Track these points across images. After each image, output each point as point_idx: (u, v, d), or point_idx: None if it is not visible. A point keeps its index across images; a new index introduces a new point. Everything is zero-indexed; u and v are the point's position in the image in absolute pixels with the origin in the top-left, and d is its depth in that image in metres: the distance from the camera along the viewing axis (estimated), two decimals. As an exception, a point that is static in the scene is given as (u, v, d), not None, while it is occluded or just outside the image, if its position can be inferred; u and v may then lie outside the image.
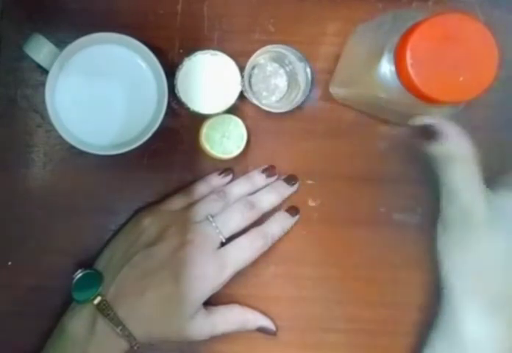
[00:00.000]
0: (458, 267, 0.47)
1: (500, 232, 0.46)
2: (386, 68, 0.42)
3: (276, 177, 0.53)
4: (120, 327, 0.46)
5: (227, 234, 0.49)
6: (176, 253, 0.47)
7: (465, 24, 0.39)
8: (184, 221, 0.49)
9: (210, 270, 0.48)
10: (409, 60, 0.39)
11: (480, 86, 0.40)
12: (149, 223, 0.49)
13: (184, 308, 0.47)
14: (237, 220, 0.49)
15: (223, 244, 0.49)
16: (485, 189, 0.46)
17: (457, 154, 0.45)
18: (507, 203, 0.47)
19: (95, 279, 0.47)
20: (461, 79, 0.39)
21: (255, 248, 0.49)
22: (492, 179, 0.51)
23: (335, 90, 0.51)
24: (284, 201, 0.53)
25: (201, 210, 0.50)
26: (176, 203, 0.51)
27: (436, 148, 0.46)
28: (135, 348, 0.46)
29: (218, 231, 0.49)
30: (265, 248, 0.50)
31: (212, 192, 0.51)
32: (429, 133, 0.46)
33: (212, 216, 0.49)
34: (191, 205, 0.50)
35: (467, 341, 0.46)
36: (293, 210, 0.52)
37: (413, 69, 0.39)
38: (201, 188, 0.52)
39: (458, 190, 0.46)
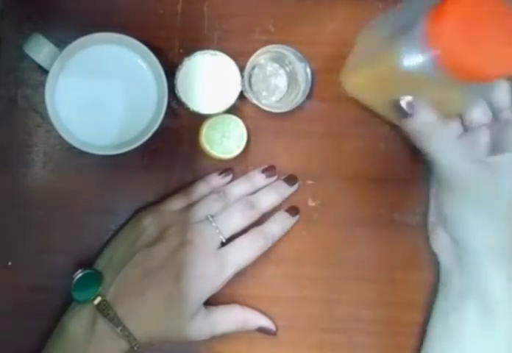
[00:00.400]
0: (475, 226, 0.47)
1: (502, 179, 0.46)
2: (413, 44, 0.41)
3: (276, 177, 0.53)
4: (120, 327, 0.46)
5: (227, 235, 0.49)
6: (176, 253, 0.47)
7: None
8: (184, 221, 0.49)
9: (210, 270, 0.48)
10: (445, 33, 0.38)
11: None
12: (149, 223, 0.49)
13: (184, 308, 0.47)
14: (237, 221, 0.49)
15: (223, 244, 0.49)
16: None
17: (428, 126, 0.47)
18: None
19: (95, 279, 0.47)
20: (499, 51, 0.38)
21: (255, 248, 0.49)
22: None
23: (348, 77, 0.50)
24: (284, 201, 0.52)
25: (201, 210, 0.50)
26: (176, 203, 0.51)
27: (408, 124, 0.47)
28: (135, 348, 0.46)
29: (218, 231, 0.49)
30: (266, 248, 0.50)
31: (212, 192, 0.51)
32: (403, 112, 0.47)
33: (212, 216, 0.49)
34: (191, 205, 0.50)
35: (497, 308, 0.46)
36: (293, 210, 0.52)
37: (451, 42, 0.38)
38: (201, 188, 0.52)
39: (439, 159, 0.47)
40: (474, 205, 0.47)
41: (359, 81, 0.51)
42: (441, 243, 0.50)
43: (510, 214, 0.46)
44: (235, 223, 0.49)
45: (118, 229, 0.52)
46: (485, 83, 0.42)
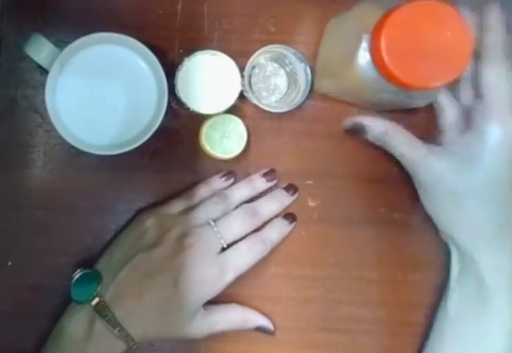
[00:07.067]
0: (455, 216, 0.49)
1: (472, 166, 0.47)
2: (364, 57, 0.42)
3: (276, 181, 0.52)
4: (118, 328, 0.45)
5: (229, 240, 0.49)
6: (176, 256, 0.47)
7: (439, 10, 0.39)
8: (185, 225, 0.49)
9: (209, 275, 0.48)
10: (384, 48, 0.39)
11: (457, 69, 0.40)
12: (150, 225, 0.49)
13: (182, 311, 0.47)
14: (238, 226, 0.49)
15: (222, 249, 0.49)
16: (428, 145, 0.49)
17: (383, 132, 0.49)
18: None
19: (94, 280, 0.47)
20: (437, 64, 0.40)
21: (255, 254, 0.49)
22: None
23: (318, 83, 0.51)
24: (283, 207, 0.53)
25: (203, 214, 0.50)
26: (178, 205, 0.51)
27: (371, 137, 0.49)
28: (134, 348, 0.46)
29: (219, 235, 0.48)
30: (265, 253, 0.50)
31: (213, 195, 0.51)
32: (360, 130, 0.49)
33: (214, 220, 0.49)
34: (192, 208, 0.50)
35: (488, 283, 0.47)
36: (290, 217, 0.52)
37: (389, 56, 0.39)
38: (202, 190, 0.52)
39: (404, 155, 0.49)
40: (452, 200, 0.48)
41: (330, 88, 0.51)
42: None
43: (489, 200, 0.47)
44: (237, 229, 0.49)
45: (119, 229, 0.52)
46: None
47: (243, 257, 0.49)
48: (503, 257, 0.47)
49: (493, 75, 0.46)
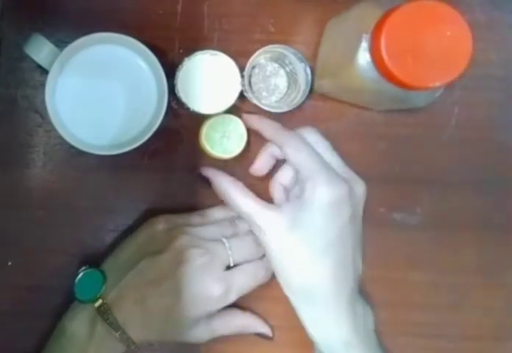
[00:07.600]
0: None
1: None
2: (364, 57, 0.42)
3: None
4: (119, 332, 0.45)
5: (237, 260, 0.49)
6: (182, 266, 0.47)
7: (439, 10, 0.39)
8: (196, 236, 0.49)
9: (215, 292, 0.47)
10: (384, 48, 0.39)
11: (457, 69, 0.40)
12: (161, 230, 0.49)
13: (184, 321, 0.47)
14: (248, 250, 0.49)
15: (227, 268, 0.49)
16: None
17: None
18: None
19: (98, 280, 0.47)
20: (437, 64, 0.39)
21: (258, 278, 0.49)
22: (492, 179, 0.52)
23: (318, 83, 0.51)
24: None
25: (216, 230, 0.50)
26: (192, 219, 0.51)
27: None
28: (134, 349, 0.46)
29: (230, 252, 0.48)
30: (265, 280, 0.50)
31: (227, 220, 0.51)
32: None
33: (227, 238, 0.49)
34: (205, 224, 0.50)
35: None
36: None
37: (389, 56, 0.39)
38: (218, 213, 0.51)
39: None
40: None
41: (330, 88, 0.51)
42: None
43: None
44: (246, 252, 0.49)
45: (120, 230, 0.52)
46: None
47: (247, 279, 0.49)
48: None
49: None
